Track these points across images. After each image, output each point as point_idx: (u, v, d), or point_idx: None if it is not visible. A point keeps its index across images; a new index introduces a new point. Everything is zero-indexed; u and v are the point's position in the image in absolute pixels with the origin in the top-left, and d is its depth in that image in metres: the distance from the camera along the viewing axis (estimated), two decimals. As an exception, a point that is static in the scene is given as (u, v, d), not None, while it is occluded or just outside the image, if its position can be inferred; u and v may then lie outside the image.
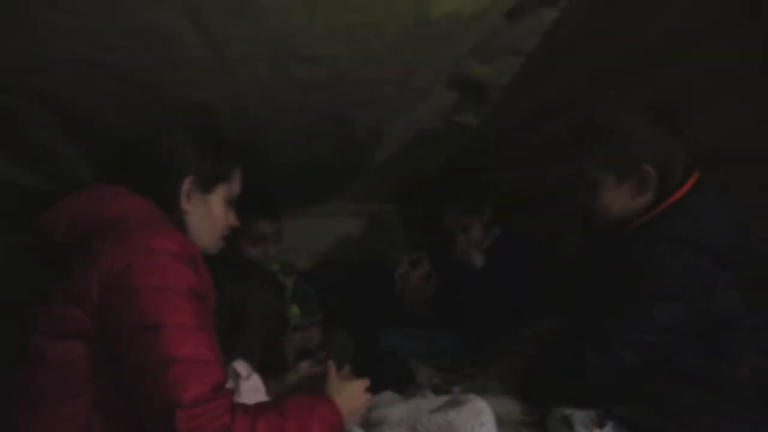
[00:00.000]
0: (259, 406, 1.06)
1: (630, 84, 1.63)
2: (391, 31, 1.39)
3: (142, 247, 1.04)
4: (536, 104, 1.98)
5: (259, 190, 1.97)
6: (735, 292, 1.27)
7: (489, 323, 2.02)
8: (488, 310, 2.06)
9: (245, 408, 1.02)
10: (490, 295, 2.07)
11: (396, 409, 1.22)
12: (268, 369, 1.37)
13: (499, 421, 1.19)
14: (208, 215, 1.30)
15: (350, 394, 1.24)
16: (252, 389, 1.24)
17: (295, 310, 2.12)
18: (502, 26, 1.61)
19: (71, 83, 1.35)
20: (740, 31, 1.37)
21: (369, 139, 1.95)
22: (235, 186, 1.36)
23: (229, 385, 1.12)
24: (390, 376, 1.72)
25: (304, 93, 1.54)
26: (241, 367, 1.26)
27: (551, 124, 1.96)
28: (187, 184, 1.24)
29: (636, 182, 1.30)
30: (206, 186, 1.29)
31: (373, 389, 1.32)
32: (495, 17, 1.56)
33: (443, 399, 1.26)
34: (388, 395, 1.54)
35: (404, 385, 1.74)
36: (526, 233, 2.19)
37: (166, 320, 1.00)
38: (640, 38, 1.55)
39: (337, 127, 1.78)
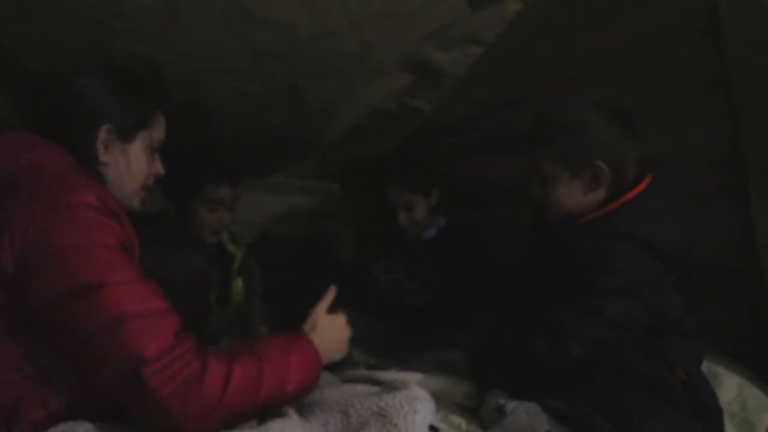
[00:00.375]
0: (233, 350, 1.00)
1: (584, 84, 1.65)
2: (354, 5, 1.36)
3: (60, 204, 0.95)
4: (491, 95, 1.98)
5: (219, 153, 1.92)
6: (677, 295, 1.32)
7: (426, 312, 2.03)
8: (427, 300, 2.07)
9: (218, 352, 0.96)
10: (429, 286, 2.07)
11: (329, 392, 1.19)
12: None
13: (437, 401, 1.18)
14: (128, 166, 1.19)
15: (328, 330, 1.19)
16: None
17: (239, 284, 2.07)
18: (465, 13, 1.59)
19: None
20: (695, 48, 1.42)
21: (321, 115, 1.91)
22: (158, 132, 1.25)
23: None
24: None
25: (259, 59, 1.49)
26: None
27: (505, 116, 1.98)
28: (103, 133, 1.13)
29: (589, 178, 1.32)
30: (125, 135, 1.17)
31: None
32: (459, 3, 1.54)
33: (378, 386, 1.24)
34: (323, 375, 1.51)
35: (338, 364, 1.72)
36: (471, 226, 2.19)
37: (103, 279, 0.92)
38: (598, 42, 1.57)
39: (289, 99, 1.73)
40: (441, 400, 1.28)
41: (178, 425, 0.91)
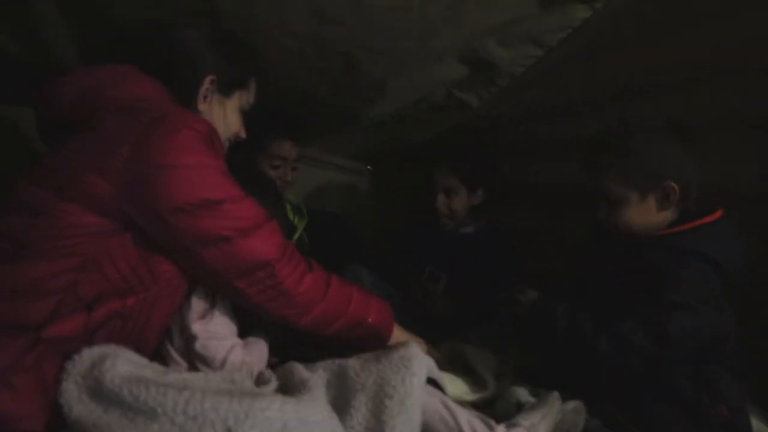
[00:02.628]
0: None
1: (638, 101, 1.63)
2: (427, -18, 1.34)
3: (181, 126, 1.05)
4: (542, 100, 1.96)
5: (284, 111, 1.97)
6: (734, 326, 1.32)
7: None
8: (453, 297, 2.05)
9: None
10: (457, 284, 2.05)
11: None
12: None
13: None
14: (222, 119, 1.30)
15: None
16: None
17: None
18: (533, 13, 1.57)
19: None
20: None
21: (369, 90, 1.89)
22: (251, 96, 1.37)
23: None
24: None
25: (321, 23, 1.47)
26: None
27: (552, 122, 1.96)
28: (206, 84, 1.24)
29: (659, 197, 1.33)
30: (225, 89, 1.29)
31: None
32: (531, 2, 1.52)
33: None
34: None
35: None
36: (511, 232, 2.18)
37: (227, 193, 1.08)
38: (663, 58, 1.53)
39: (342, 69, 1.71)
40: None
41: (294, 307, 1.14)
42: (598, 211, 1.40)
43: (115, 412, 0.89)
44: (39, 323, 0.97)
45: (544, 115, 2.02)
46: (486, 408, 1.35)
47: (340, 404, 1.08)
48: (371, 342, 1.29)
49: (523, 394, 1.29)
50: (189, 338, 1.14)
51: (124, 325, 1.06)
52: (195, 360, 1.13)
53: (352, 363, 1.14)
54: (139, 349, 1.07)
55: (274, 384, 1.11)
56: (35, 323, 0.97)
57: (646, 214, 1.35)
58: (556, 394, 1.24)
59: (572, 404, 1.22)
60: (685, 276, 1.25)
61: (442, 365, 1.44)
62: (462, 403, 1.31)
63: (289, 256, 1.14)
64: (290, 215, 2.13)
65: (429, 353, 1.40)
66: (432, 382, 1.19)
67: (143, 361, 1.02)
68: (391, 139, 2.45)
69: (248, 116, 1.43)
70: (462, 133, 2.31)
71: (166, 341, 1.17)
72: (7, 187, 1.08)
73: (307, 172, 2.64)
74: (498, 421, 1.18)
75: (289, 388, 1.09)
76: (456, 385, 1.40)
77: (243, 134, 1.39)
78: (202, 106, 1.25)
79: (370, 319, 1.26)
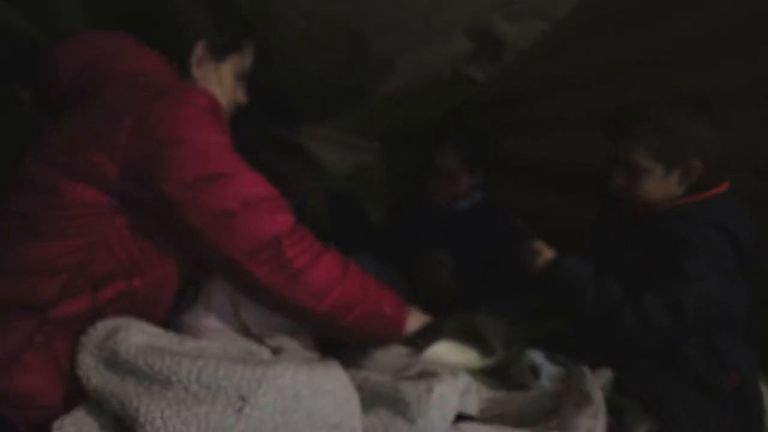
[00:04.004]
0: None
1: (651, 76, 1.63)
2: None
3: (184, 100, 1.04)
4: (548, 74, 1.96)
5: (280, 95, 1.97)
6: (746, 297, 1.35)
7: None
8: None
9: None
10: (456, 258, 2.08)
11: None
12: None
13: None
14: (217, 85, 1.26)
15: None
16: None
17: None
18: (539, -15, 1.58)
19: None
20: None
21: (378, 68, 1.90)
22: (247, 60, 1.33)
23: None
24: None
25: (330, 1, 1.49)
26: None
27: (559, 97, 1.97)
28: (199, 49, 1.22)
29: (682, 173, 1.35)
30: (218, 54, 1.26)
31: None
32: (536, -26, 1.53)
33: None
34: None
35: None
36: (506, 208, 2.20)
37: (233, 167, 1.05)
38: (676, 30, 1.53)
39: (351, 47, 1.72)
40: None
41: (308, 292, 1.08)
42: (615, 180, 1.41)
43: (131, 381, 0.90)
44: (47, 303, 0.98)
45: (550, 89, 2.03)
46: (497, 374, 1.37)
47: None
48: (383, 332, 1.24)
49: (538, 357, 1.30)
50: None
51: (131, 306, 1.06)
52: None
53: (373, 376, 1.11)
54: None
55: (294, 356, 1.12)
56: (43, 303, 0.98)
57: (665, 187, 1.37)
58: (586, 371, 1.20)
59: (605, 376, 1.22)
60: (701, 245, 1.27)
61: (451, 334, 1.48)
62: (473, 372, 1.33)
63: (301, 236, 1.09)
64: None
65: (439, 322, 1.43)
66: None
67: (158, 330, 1.04)
68: (400, 117, 2.46)
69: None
70: (460, 116, 2.33)
71: (199, 308, 1.17)
72: (16, 165, 1.08)
73: (313, 150, 2.66)
74: (513, 385, 1.18)
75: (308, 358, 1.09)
76: (464, 353, 1.42)
77: (243, 98, 1.36)
78: (196, 72, 1.23)
79: (386, 310, 1.21)
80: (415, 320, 1.36)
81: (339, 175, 2.74)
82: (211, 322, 1.19)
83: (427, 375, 1.10)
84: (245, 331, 1.20)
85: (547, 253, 1.43)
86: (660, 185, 1.37)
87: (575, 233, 1.66)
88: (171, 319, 1.20)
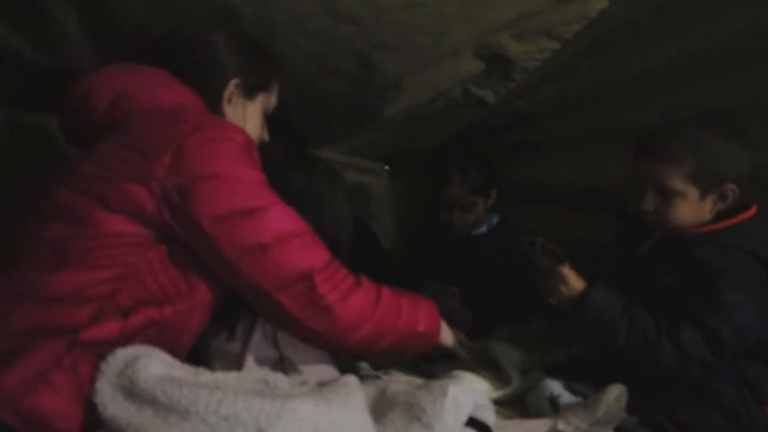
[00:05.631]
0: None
1: (655, 91, 1.60)
2: (442, -22, 1.34)
3: (222, 137, 1.06)
4: (559, 94, 1.95)
5: (288, 119, 1.92)
6: None
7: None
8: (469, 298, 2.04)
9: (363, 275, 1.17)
10: (473, 283, 2.04)
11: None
12: None
13: None
14: (245, 122, 1.30)
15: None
16: None
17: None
18: (548, 5, 1.56)
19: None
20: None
21: (386, 89, 1.89)
22: (273, 99, 1.38)
23: None
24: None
25: (336, 22, 1.48)
26: None
27: (571, 117, 1.94)
28: (231, 86, 1.26)
29: (717, 197, 1.30)
30: (249, 92, 1.30)
31: None
32: (546, -7, 1.51)
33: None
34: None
35: None
36: (523, 231, 2.16)
37: (267, 202, 1.07)
38: (684, 48, 1.51)
39: (358, 68, 1.71)
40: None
41: (338, 328, 1.10)
42: (643, 203, 1.35)
43: (148, 411, 0.89)
44: (77, 327, 0.98)
45: (562, 109, 2.01)
46: (514, 404, 1.33)
47: (376, 417, 1.05)
48: (419, 346, 1.26)
49: (556, 387, 1.26)
50: None
51: (159, 333, 1.06)
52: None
53: (393, 386, 1.13)
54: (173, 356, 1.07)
55: (310, 385, 1.09)
56: (74, 327, 0.98)
57: (698, 212, 1.31)
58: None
59: (613, 392, 1.18)
60: (736, 273, 1.22)
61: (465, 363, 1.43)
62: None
63: (333, 271, 1.10)
64: None
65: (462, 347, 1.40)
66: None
67: (175, 362, 1.02)
68: (409, 138, 2.45)
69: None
70: (472, 140, 2.31)
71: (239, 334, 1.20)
72: (46, 193, 1.08)
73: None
74: (531, 415, 1.14)
75: (326, 388, 1.07)
76: (477, 383, 1.38)
77: (266, 136, 1.39)
78: (226, 108, 1.27)
79: (421, 328, 1.22)
80: (447, 332, 1.37)
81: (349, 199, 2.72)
82: (248, 348, 1.26)
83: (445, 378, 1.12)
84: (282, 360, 1.26)
85: (576, 283, 1.35)
86: (693, 209, 1.31)
87: (588, 257, 1.61)
88: (201, 346, 1.23)
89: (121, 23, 1.44)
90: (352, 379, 1.07)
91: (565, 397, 1.23)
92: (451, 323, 1.95)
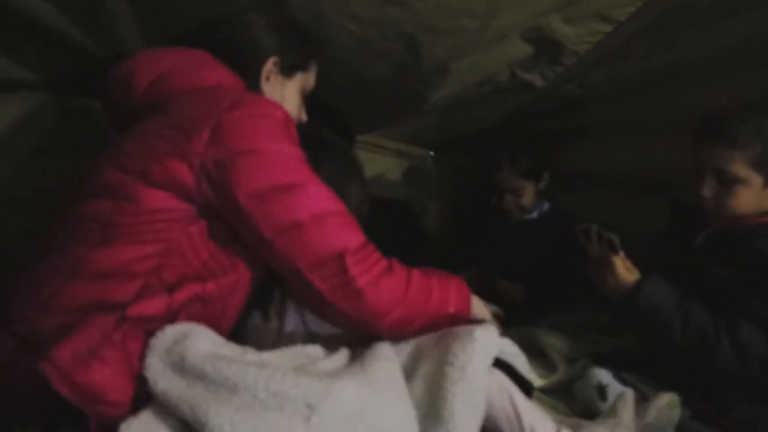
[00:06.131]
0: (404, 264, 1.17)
1: (720, 77, 1.53)
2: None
3: (259, 112, 1.07)
4: (610, 79, 1.88)
5: (335, 108, 1.97)
6: None
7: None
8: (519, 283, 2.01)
9: (395, 259, 1.14)
10: (523, 269, 2.02)
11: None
12: None
13: None
14: (284, 101, 1.31)
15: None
16: None
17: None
18: (601, -15, 1.52)
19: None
20: None
21: (432, 73, 1.86)
22: (311, 79, 1.39)
23: None
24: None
25: (383, 4, 1.46)
26: None
27: (622, 103, 1.89)
28: (269, 65, 1.27)
29: None
30: (287, 70, 1.31)
31: None
32: (597, -27, 1.47)
33: None
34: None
35: None
36: (575, 216, 2.13)
37: (305, 180, 1.07)
38: (743, 29, 1.43)
39: (405, 51, 1.69)
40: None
41: (369, 312, 1.08)
42: (702, 190, 1.30)
43: (198, 386, 0.91)
44: (125, 303, 1.00)
45: (613, 94, 1.95)
46: (562, 393, 1.31)
47: (408, 376, 1.08)
48: (450, 325, 1.22)
49: (605, 376, 1.23)
50: None
51: (203, 308, 1.08)
52: None
53: (425, 339, 1.15)
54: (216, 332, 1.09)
55: (345, 353, 1.12)
56: (121, 302, 1.00)
57: (760, 200, 1.26)
58: (629, 394, 1.18)
59: (665, 399, 1.16)
60: None
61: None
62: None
63: (366, 254, 1.09)
64: None
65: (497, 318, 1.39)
66: (506, 370, 1.15)
67: (220, 340, 1.04)
68: (455, 124, 2.42)
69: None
70: (519, 126, 2.27)
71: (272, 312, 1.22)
72: (92, 173, 1.11)
73: (368, 159, 2.65)
74: (578, 404, 1.13)
75: (366, 365, 1.08)
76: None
77: (303, 116, 1.40)
78: (264, 86, 1.28)
79: (451, 309, 1.20)
80: (480, 307, 1.33)
81: (392, 184, 2.72)
82: (283, 325, 1.28)
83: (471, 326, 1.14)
84: (312, 337, 1.27)
85: (629, 274, 1.31)
86: (754, 198, 1.26)
87: (639, 247, 1.56)
88: (236, 326, 1.23)
89: (172, 10, 1.46)
90: (387, 350, 1.10)
91: (614, 386, 1.21)
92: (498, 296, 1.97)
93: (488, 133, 2.42)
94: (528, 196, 2.19)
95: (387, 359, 1.07)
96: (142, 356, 0.98)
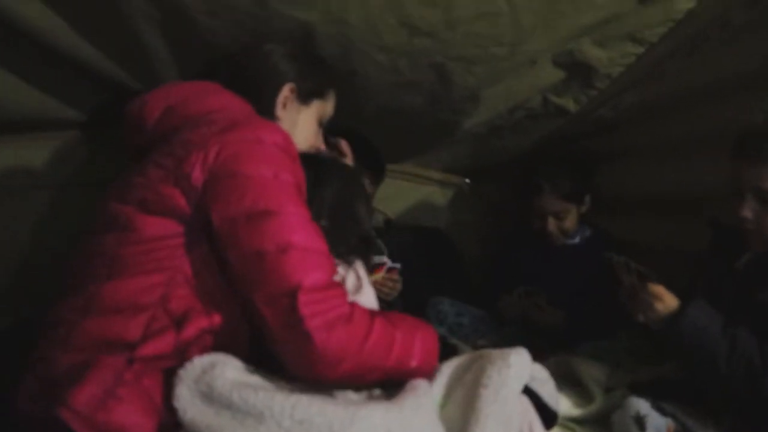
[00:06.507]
0: (372, 311, 1.09)
1: (756, 97, 1.50)
2: (518, -13, 1.31)
3: (251, 136, 1.06)
4: (644, 101, 1.87)
5: (367, 141, 1.99)
6: None
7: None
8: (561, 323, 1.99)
9: (361, 306, 1.06)
10: (563, 296, 1.99)
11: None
12: None
13: None
14: (299, 127, 1.32)
15: None
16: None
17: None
18: (630, 8, 1.50)
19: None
20: None
21: (463, 101, 1.87)
22: (329, 108, 1.39)
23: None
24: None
25: (411, 35, 1.48)
26: (361, 270, 1.26)
27: (658, 125, 1.87)
28: (286, 91, 1.28)
29: None
30: (304, 97, 1.32)
31: None
32: (628, -5, 1.46)
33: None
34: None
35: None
36: (617, 241, 2.09)
37: (280, 208, 1.02)
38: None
39: (435, 80, 1.71)
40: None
41: (316, 360, 0.98)
42: (742, 210, 1.27)
43: (226, 415, 0.92)
44: (134, 341, 1.00)
45: (647, 116, 1.93)
46: (599, 423, 1.27)
47: (443, 404, 1.08)
48: (409, 377, 1.11)
49: (643, 406, 1.18)
50: None
51: (214, 341, 1.06)
52: None
53: (459, 368, 1.14)
54: None
55: (377, 392, 1.10)
56: (130, 341, 1.00)
57: None
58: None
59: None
60: None
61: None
62: (568, 421, 1.26)
63: (324, 296, 0.99)
64: None
65: None
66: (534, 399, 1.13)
67: (249, 367, 1.05)
68: (489, 151, 2.41)
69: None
70: (553, 150, 2.26)
71: None
72: (101, 206, 1.14)
73: (405, 188, 2.67)
74: None
75: (397, 394, 1.07)
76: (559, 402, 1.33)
77: (321, 144, 1.40)
78: (280, 113, 1.29)
79: (413, 363, 1.08)
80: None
81: (430, 212, 2.72)
82: None
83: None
84: None
85: (669, 300, 1.26)
86: None
87: (678, 271, 1.52)
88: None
89: (204, 44, 1.49)
90: (421, 383, 1.07)
91: (653, 417, 1.16)
92: (538, 321, 1.94)
93: (523, 158, 2.40)
94: (570, 220, 2.16)
95: (418, 388, 1.05)
96: (162, 390, 0.99)
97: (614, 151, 2.21)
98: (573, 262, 2.15)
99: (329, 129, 1.51)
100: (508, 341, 1.99)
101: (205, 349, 1.05)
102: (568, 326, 1.97)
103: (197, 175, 1.03)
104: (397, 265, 1.97)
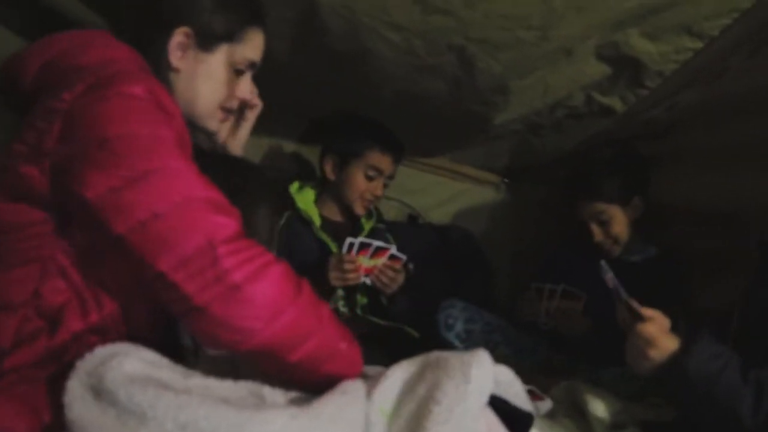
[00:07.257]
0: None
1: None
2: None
3: (110, 94, 0.91)
4: (703, 102, 1.68)
5: (377, 123, 1.94)
6: None
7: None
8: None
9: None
10: (602, 320, 1.80)
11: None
12: None
13: None
14: (203, 79, 1.14)
15: None
16: None
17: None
18: (687, -7, 1.31)
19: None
20: None
21: (491, 92, 1.71)
22: (249, 50, 1.18)
23: None
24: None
25: (424, 14, 1.34)
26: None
27: (717, 129, 1.72)
28: (179, 36, 1.09)
29: None
30: (205, 42, 1.12)
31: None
32: (682, -21, 1.27)
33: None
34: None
35: None
36: (685, 262, 1.90)
37: (164, 164, 0.89)
38: None
39: (457, 66, 1.56)
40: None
41: (249, 315, 0.87)
42: None
43: (111, 413, 0.82)
44: (2, 352, 0.91)
45: (705, 119, 1.76)
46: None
47: (393, 417, 0.93)
48: (341, 376, 0.99)
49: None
50: None
51: (104, 339, 0.95)
52: None
53: (417, 368, 0.99)
54: None
55: (308, 398, 0.96)
56: (1, 348, 0.91)
57: None
58: None
59: None
60: None
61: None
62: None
63: (244, 245, 0.89)
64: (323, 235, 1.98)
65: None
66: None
67: (163, 361, 0.93)
68: (529, 150, 2.24)
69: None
70: (594, 149, 2.07)
71: None
72: None
73: (438, 183, 2.54)
74: None
75: (321, 399, 0.93)
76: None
77: (245, 94, 1.22)
78: (176, 63, 1.10)
79: (343, 345, 0.99)
80: None
81: (462, 210, 2.57)
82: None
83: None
84: None
85: (665, 344, 1.08)
86: None
87: (731, 293, 1.37)
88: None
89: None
90: (353, 387, 0.94)
91: None
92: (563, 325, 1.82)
93: (567, 160, 2.21)
94: (618, 226, 1.92)
95: (347, 393, 0.92)
96: (47, 391, 0.90)
97: (666, 156, 2.02)
98: (626, 282, 1.93)
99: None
100: (523, 354, 1.84)
101: (90, 348, 0.92)
102: (591, 340, 1.77)
103: (61, 151, 0.90)
104: (403, 256, 1.88)
